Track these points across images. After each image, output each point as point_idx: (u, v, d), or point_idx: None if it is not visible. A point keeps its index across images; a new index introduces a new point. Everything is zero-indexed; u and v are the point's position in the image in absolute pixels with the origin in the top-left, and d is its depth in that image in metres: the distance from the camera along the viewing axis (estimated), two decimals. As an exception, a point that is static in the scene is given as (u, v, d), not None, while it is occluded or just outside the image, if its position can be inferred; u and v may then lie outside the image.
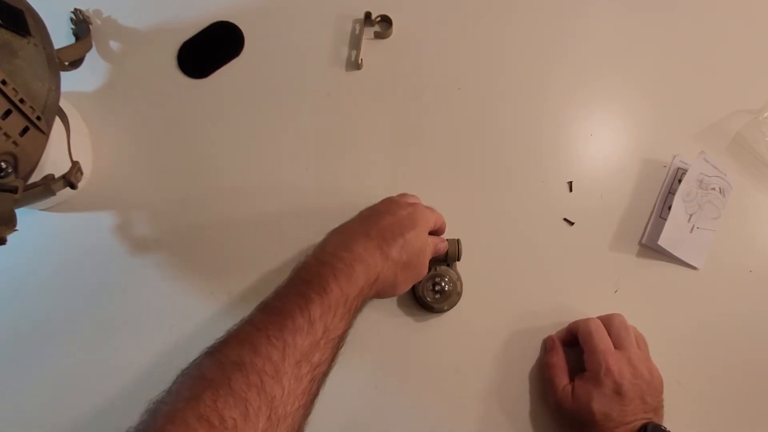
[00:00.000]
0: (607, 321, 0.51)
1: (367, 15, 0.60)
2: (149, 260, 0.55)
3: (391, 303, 0.55)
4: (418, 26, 0.61)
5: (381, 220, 0.46)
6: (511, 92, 0.60)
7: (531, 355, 0.54)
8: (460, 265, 0.55)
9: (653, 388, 0.47)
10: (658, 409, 0.47)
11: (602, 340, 0.48)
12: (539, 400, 0.53)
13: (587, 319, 0.51)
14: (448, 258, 0.53)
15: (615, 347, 0.48)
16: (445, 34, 0.61)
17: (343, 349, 0.54)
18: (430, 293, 0.53)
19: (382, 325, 0.55)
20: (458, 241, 0.53)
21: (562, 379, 0.50)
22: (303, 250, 0.56)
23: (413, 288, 0.54)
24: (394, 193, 0.57)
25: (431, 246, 0.49)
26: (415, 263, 0.47)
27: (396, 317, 0.55)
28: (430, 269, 0.53)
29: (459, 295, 0.54)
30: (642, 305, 0.56)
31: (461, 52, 0.61)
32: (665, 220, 0.56)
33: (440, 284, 0.53)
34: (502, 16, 0.62)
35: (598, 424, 0.46)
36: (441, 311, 0.54)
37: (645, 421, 0.45)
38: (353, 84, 0.60)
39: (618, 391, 0.46)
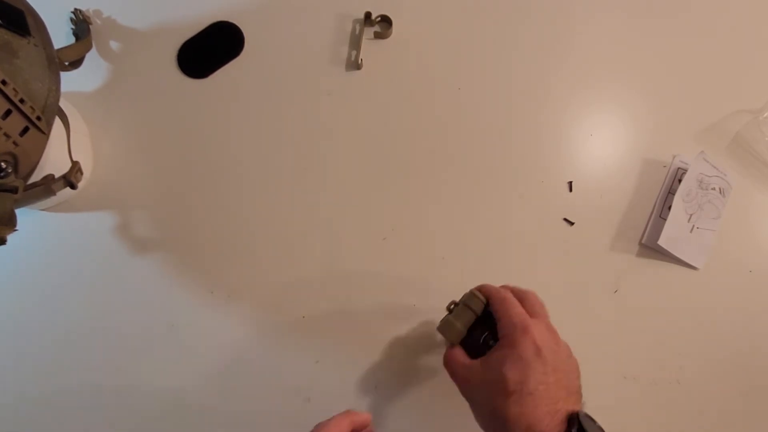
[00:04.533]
0: (520, 295, 0.45)
1: (367, 15, 0.60)
2: (149, 259, 0.55)
3: (390, 304, 0.55)
4: (418, 26, 0.61)
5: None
6: (511, 92, 0.60)
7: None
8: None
9: (571, 366, 0.42)
10: (578, 394, 0.42)
11: (517, 306, 0.43)
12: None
13: (497, 287, 0.45)
14: (479, 311, 0.45)
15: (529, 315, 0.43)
16: (445, 34, 0.61)
17: (341, 349, 0.54)
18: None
19: (379, 324, 0.55)
20: (473, 292, 0.46)
21: (464, 359, 0.44)
22: (303, 249, 0.56)
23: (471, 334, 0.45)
24: (391, 190, 0.58)
25: None
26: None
27: (392, 317, 0.55)
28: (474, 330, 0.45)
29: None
30: (642, 305, 0.56)
31: (461, 52, 0.61)
32: (665, 220, 0.56)
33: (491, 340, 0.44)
34: (503, 17, 0.62)
35: (512, 393, 0.38)
36: None
37: (572, 410, 0.39)
38: (353, 84, 0.60)
39: (538, 353, 0.39)
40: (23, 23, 0.44)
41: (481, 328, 0.45)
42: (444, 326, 0.45)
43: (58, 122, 0.48)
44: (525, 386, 0.38)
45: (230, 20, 0.61)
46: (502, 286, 0.47)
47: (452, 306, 0.47)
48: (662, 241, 0.55)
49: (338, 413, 0.42)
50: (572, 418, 0.38)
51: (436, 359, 0.54)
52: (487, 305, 0.45)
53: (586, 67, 0.61)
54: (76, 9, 0.59)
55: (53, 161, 0.49)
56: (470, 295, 0.45)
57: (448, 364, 0.45)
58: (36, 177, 0.46)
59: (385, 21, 0.61)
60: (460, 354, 0.45)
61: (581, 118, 0.60)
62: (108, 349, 0.54)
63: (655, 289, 0.56)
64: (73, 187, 0.49)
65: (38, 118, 0.43)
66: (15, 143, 0.41)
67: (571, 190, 0.58)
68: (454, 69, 0.60)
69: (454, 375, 0.45)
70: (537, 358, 0.39)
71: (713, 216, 0.57)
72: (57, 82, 0.45)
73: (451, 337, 0.45)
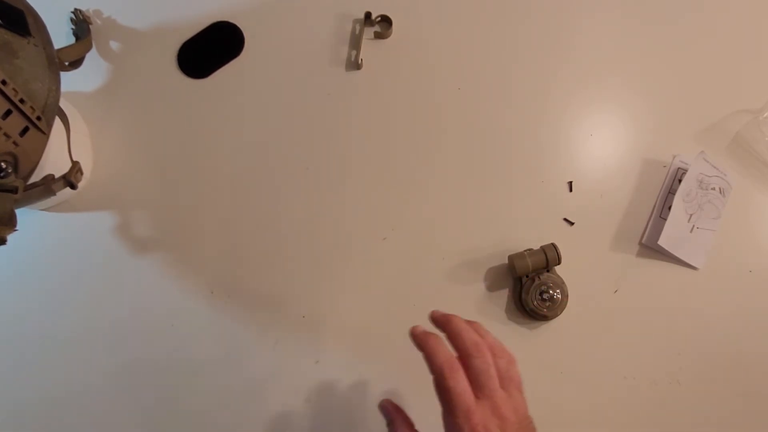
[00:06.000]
0: (464, 353, 0.40)
1: (367, 15, 0.60)
2: (149, 260, 0.55)
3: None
4: (418, 26, 0.61)
5: None
6: (511, 92, 0.60)
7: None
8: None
9: (522, 427, 0.39)
10: None
11: (462, 394, 0.38)
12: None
13: (442, 362, 0.39)
14: (549, 264, 0.52)
15: (475, 393, 0.39)
16: (445, 34, 0.61)
17: (341, 349, 0.54)
18: (539, 302, 0.52)
19: (379, 324, 0.55)
20: (554, 245, 0.52)
21: None
22: (303, 249, 0.56)
23: (521, 301, 0.53)
24: (391, 190, 0.57)
25: None
26: None
27: (392, 317, 0.55)
28: (533, 279, 0.52)
29: (567, 297, 0.53)
30: (642, 305, 0.56)
31: (461, 52, 0.61)
32: (665, 220, 0.56)
33: (548, 292, 0.52)
34: (503, 17, 0.62)
35: None
36: (554, 317, 0.53)
37: None
38: (353, 84, 0.60)
39: None
40: (23, 23, 0.44)
41: (539, 280, 0.52)
42: (516, 256, 0.52)
43: (58, 122, 0.48)
44: None
45: (230, 20, 0.61)
46: (448, 322, 0.42)
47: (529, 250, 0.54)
48: (662, 241, 0.55)
49: None
50: None
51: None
52: (558, 259, 0.52)
53: (586, 67, 0.61)
54: (76, 9, 0.59)
55: (53, 161, 0.49)
56: (549, 246, 0.52)
57: None
58: (36, 177, 0.46)
59: (385, 21, 0.61)
60: None
61: (581, 118, 0.60)
62: (108, 349, 0.54)
63: (655, 289, 0.56)
64: (73, 187, 0.49)
65: (38, 118, 0.43)
66: (15, 143, 0.41)
67: (571, 190, 0.58)
68: (454, 69, 0.60)
69: None
70: None
71: (713, 216, 0.57)
72: (57, 82, 0.45)
73: (518, 267, 0.52)
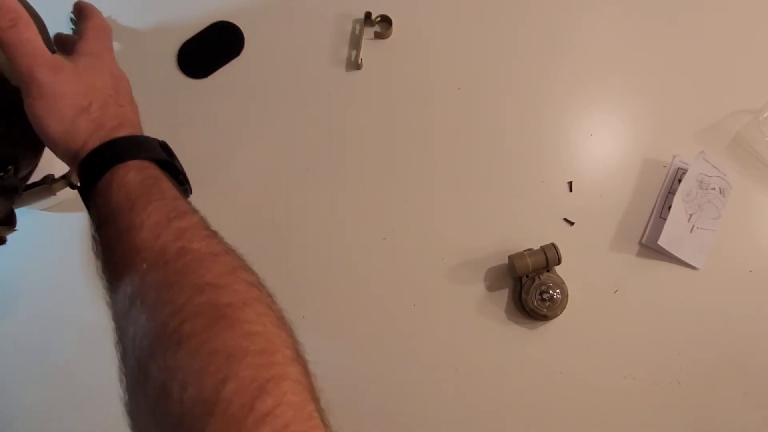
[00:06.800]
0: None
1: (367, 15, 0.60)
2: (149, 260, 0.55)
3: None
4: (418, 26, 0.61)
5: None
6: (511, 92, 0.60)
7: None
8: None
9: (123, 86, 0.45)
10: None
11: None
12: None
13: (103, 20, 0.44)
14: (549, 264, 0.52)
15: None
16: (445, 33, 0.61)
17: (341, 349, 0.54)
18: (539, 302, 0.52)
19: (379, 324, 0.55)
20: (554, 245, 0.53)
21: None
22: (303, 249, 0.56)
23: (521, 301, 0.53)
24: (391, 190, 0.57)
25: None
26: None
27: (392, 317, 0.55)
28: (533, 279, 0.53)
29: (567, 297, 0.53)
30: (642, 305, 0.56)
31: (461, 52, 0.61)
32: (665, 220, 0.56)
33: (548, 292, 0.52)
34: (503, 17, 0.62)
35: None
36: (554, 317, 0.53)
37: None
38: (353, 84, 0.60)
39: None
40: (23, 23, 0.44)
41: (539, 280, 0.52)
42: (516, 256, 0.52)
43: (58, 122, 0.48)
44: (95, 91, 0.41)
45: (230, 20, 0.61)
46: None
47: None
48: (662, 241, 0.55)
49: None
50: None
51: (435, 359, 0.54)
52: (558, 259, 0.52)
53: (586, 67, 0.61)
54: (76, 9, 0.59)
55: (53, 161, 0.49)
56: (549, 246, 0.52)
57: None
58: (36, 177, 0.46)
59: (385, 21, 0.61)
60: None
61: (581, 118, 0.60)
62: (109, 350, 0.54)
63: (655, 290, 0.56)
64: (73, 187, 0.49)
65: (38, 118, 0.43)
66: (15, 143, 0.41)
67: (571, 190, 0.58)
68: (454, 69, 0.60)
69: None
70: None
71: (713, 216, 0.57)
72: (57, 82, 0.45)
73: (518, 267, 0.52)
